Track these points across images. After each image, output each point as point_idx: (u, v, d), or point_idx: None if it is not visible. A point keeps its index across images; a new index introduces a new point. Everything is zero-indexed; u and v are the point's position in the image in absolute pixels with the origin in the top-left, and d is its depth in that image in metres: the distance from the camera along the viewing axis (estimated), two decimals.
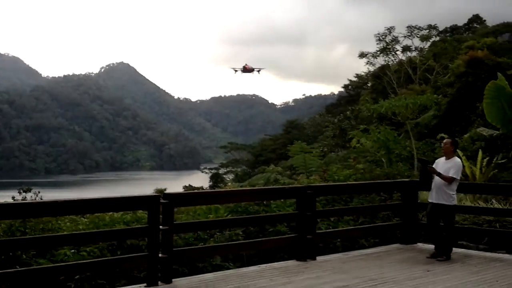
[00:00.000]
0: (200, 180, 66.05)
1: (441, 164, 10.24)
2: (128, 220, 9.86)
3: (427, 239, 11.75)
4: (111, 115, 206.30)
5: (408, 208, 11.66)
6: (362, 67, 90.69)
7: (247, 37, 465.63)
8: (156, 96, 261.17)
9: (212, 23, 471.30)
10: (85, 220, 9.98)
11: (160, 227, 8.15)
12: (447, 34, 65.94)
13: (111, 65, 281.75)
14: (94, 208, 8.42)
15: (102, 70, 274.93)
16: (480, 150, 18.95)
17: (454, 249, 10.45)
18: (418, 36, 60.48)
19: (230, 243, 9.99)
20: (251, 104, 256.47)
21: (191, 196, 10.28)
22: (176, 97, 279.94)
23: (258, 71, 64.14)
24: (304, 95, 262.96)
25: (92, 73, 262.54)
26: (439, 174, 9.99)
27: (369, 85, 64.55)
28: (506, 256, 10.76)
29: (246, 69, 64.96)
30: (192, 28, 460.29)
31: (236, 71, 71.07)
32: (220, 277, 8.62)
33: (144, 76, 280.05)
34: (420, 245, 11.56)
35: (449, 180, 9.99)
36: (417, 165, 19.69)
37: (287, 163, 35.03)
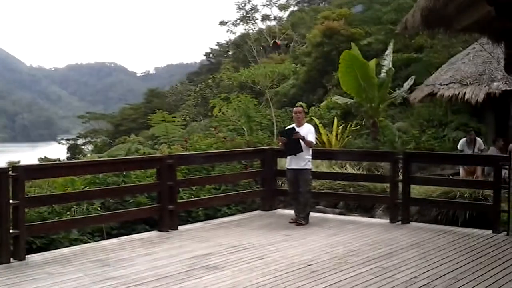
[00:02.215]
0: (57, 151, 63.33)
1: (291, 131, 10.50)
2: None
3: (287, 205, 12.08)
4: None
5: (268, 175, 11.88)
6: (224, 35, 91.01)
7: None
8: (6, 63, 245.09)
9: None
10: None
11: (10, 201, 7.65)
12: (305, 4, 67.74)
13: None
14: None
15: None
16: (335, 118, 19.76)
17: (312, 214, 10.80)
18: (277, 5, 61.63)
19: (87, 216, 9.61)
20: (110, 72, 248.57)
21: (43, 168, 9.66)
22: (28, 64, 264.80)
23: (287, 45, 53.08)
24: (165, 63, 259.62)
25: None
26: (303, 139, 10.22)
27: (230, 53, 64.94)
28: (359, 218, 11.35)
29: (277, 45, 53.92)
30: None
31: (262, 47, 58.46)
32: (78, 251, 8.29)
33: None
34: (279, 211, 11.87)
35: (309, 145, 10.28)
36: (277, 133, 20.11)
37: (148, 133, 34.47)
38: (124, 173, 11.01)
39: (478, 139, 15.20)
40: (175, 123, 24.12)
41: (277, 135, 18.96)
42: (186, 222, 10.72)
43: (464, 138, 15.29)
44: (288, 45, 48.99)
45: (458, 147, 15.17)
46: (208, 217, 11.20)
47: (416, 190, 11.25)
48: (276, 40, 52.75)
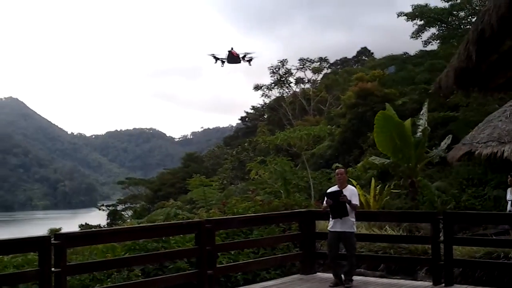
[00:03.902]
0: (98, 218, 63.97)
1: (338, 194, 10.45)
2: (19, 264, 9.31)
3: (327, 268, 11.91)
4: (0, 153, 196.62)
5: (307, 238, 11.79)
6: (259, 99, 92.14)
7: (141, 68, 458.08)
8: (49, 131, 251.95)
9: (103, 54, 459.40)
10: None
11: (52, 269, 7.75)
12: (338, 66, 68.54)
13: None
14: None
15: None
16: (372, 178, 19.62)
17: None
18: (310, 68, 62.46)
19: (127, 282, 9.64)
20: (149, 138, 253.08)
21: (84, 236, 9.83)
22: (69, 132, 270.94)
23: (249, 60, 42.00)
24: (202, 127, 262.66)
25: None
26: (350, 203, 10.19)
27: (265, 116, 65.67)
28: (402, 281, 11.07)
29: (233, 56, 41.96)
30: (82, 60, 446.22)
31: (218, 59, 44.16)
32: None
33: (34, 111, 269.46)
34: (320, 274, 11.68)
35: (354, 208, 10.27)
36: (318, 196, 20.03)
37: (186, 197, 34.75)
38: (164, 238, 11.08)
39: None
40: (212, 187, 24.31)
41: (314, 198, 18.87)
42: (226, 287, 10.66)
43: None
44: (245, 57, 40.91)
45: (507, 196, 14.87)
46: (247, 282, 11.13)
47: (459, 251, 11.02)
48: (232, 50, 43.51)
